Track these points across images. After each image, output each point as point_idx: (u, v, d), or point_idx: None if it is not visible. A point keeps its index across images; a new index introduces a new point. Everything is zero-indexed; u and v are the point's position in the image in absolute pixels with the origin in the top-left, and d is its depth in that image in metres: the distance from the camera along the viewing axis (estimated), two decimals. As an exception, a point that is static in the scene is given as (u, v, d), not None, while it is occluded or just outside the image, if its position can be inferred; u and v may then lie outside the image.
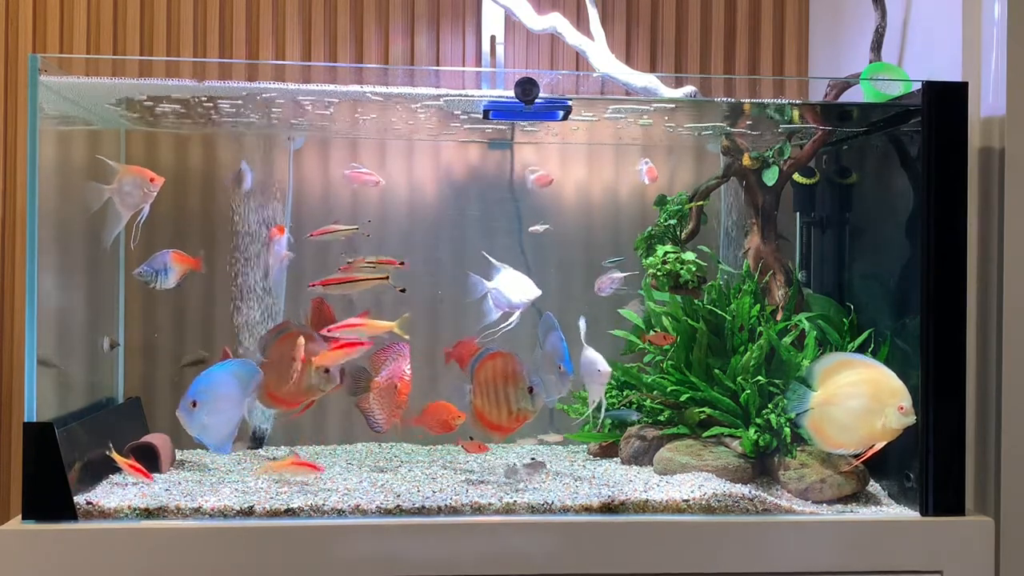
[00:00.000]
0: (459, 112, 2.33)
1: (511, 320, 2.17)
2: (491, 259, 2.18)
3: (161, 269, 2.18)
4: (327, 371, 2.14)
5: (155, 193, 2.15)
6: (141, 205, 2.14)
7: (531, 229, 2.58)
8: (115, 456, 2.15)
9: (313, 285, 2.22)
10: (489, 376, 2.15)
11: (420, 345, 2.74)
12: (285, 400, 2.17)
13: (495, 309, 2.14)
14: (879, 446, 2.04)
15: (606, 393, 2.49)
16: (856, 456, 2.08)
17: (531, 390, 2.13)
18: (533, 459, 2.36)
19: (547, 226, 2.57)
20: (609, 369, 2.20)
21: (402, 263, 2.23)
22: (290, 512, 2.00)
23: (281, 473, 2.18)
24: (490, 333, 2.23)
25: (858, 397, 2.04)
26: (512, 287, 2.11)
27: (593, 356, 2.20)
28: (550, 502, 2.05)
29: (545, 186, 2.62)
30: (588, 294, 2.76)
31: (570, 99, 2.20)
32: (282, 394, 2.15)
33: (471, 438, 2.58)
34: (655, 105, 2.33)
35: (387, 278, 2.21)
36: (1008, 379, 2.05)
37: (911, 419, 2.01)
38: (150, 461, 2.27)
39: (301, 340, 2.12)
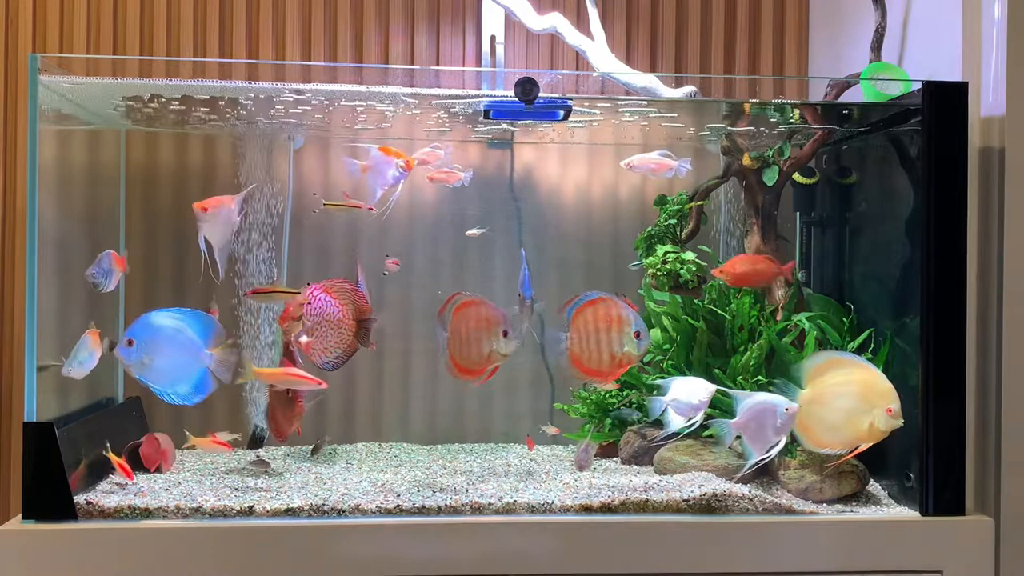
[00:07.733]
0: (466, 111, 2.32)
1: (694, 421, 2.09)
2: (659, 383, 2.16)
3: (109, 270, 2.11)
4: (505, 333, 2.09)
5: (406, 175, 2.18)
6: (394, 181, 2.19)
7: (468, 233, 2.50)
8: (111, 456, 2.15)
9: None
10: (590, 321, 2.10)
11: (423, 346, 2.77)
12: (470, 370, 2.13)
13: (676, 419, 2.07)
14: (864, 447, 2.05)
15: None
16: (841, 456, 2.08)
17: (637, 335, 2.08)
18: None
19: (484, 230, 2.53)
20: (796, 405, 2.03)
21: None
22: (290, 512, 2.00)
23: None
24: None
25: (846, 397, 2.04)
26: (690, 393, 2.05)
27: (774, 399, 2.02)
28: (550, 502, 2.05)
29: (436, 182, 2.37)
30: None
31: (570, 99, 2.20)
32: (466, 364, 2.12)
33: (543, 430, 2.55)
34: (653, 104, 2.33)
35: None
36: (1008, 379, 2.05)
37: (899, 422, 2.01)
38: (150, 461, 2.27)
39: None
